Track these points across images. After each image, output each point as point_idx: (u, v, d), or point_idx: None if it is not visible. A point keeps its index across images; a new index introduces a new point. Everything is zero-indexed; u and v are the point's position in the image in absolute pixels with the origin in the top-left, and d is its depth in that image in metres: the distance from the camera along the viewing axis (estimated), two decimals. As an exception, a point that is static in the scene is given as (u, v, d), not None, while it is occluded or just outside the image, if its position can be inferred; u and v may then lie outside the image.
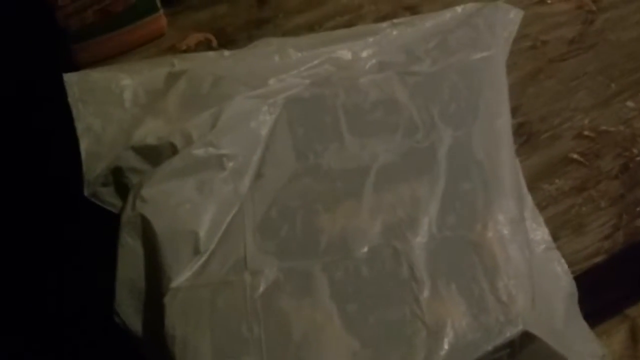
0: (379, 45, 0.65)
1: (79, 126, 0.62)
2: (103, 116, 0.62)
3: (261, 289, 0.46)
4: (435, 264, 0.45)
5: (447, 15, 0.67)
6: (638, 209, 0.58)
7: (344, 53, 0.65)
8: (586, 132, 0.63)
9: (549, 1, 0.75)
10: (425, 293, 0.44)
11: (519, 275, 0.44)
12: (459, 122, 0.55)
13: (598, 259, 0.55)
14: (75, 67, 0.67)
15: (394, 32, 0.67)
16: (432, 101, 0.58)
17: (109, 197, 0.59)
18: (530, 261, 0.46)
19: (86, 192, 0.58)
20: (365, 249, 0.47)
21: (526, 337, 0.42)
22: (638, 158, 0.61)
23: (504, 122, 0.55)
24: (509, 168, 0.51)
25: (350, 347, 0.42)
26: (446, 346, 0.41)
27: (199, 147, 0.56)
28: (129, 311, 0.52)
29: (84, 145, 0.61)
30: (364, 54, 0.65)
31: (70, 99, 0.63)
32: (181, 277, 0.49)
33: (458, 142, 0.53)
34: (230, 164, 0.56)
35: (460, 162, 0.52)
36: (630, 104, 0.65)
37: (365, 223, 0.49)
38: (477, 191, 0.49)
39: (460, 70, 0.60)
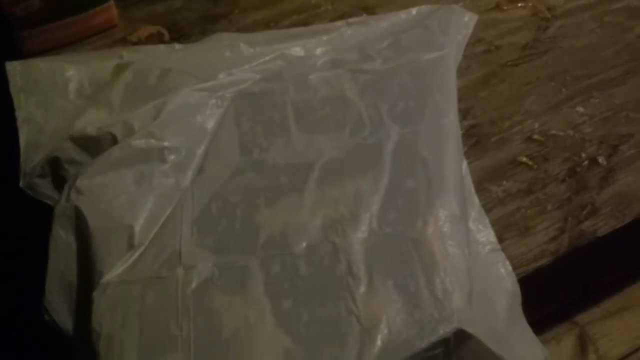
0: (332, 43, 0.65)
1: (20, 116, 0.60)
2: (45, 107, 0.60)
3: (193, 285, 0.45)
4: (374, 260, 0.44)
5: (401, 16, 0.67)
6: (584, 212, 0.58)
7: (297, 50, 0.64)
8: (535, 136, 0.63)
9: (504, 7, 0.75)
10: (362, 289, 0.43)
11: (456, 273, 0.43)
12: (406, 120, 0.55)
13: (543, 262, 0.55)
14: (21, 56, 0.65)
15: (348, 31, 0.66)
16: (381, 99, 0.57)
17: (45, 189, 0.56)
18: (469, 259, 0.45)
19: (22, 183, 0.56)
20: (304, 245, 0.46)
21: (461, 336, 0.41)
22: (585, 163, 0.61)
23: (451, 122, 0.54)
24: (453, 167, 0.51)
25: (282, 345, 0.41)
26: (379, 343, 0.40)
27: (140, 138, 0.54)
28: (59, 307, 0.50)
29: (23, 135, 0.59)
30: (317, 51, 0.64)
31: (11, 88, 0.61)
32: (113, 271, 0.47)
33: (404, 140, 0.53)
34: (172, 157, 0.54)
35: (406, 160, 0.51)
36: (580, 109, 0.65)
37: (306, 218, 0.48)
38: (420, 188, 0.48)
39: (411, 70, 0.59)
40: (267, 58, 0.63)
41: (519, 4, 0.76)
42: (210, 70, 0.61)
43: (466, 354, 0.42)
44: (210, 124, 0.57)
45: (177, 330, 0.42)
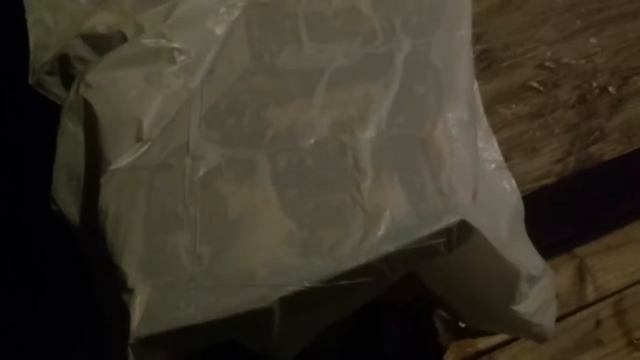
0: (347, -44, 0.64)
1: (30, 18, 0.59)
2: (55, 9, 0.60)
3: (201, 172, 0.45)
4: (381, 157, 0.44)
5: None
6: (592, 137, 0.58)
7: (311, -37, 0.63)
8: (547, 63, 0.63)
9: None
10: (367, 182, 0.43)
11: (462, 170, 0.44)
12: (419, 32, 0.54)
13: (548, 181, 0.55)
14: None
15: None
16: (394, 12, 0.56)
17: (53, 87, 0.56)
18: (475, 159, 0.45)
19: (31, 80, 0.56)
20: (312, 141, 0.46)
21: (464, 229, 0.41)
22: (596, 91, 0.61)
23: (464, 34, 0.54)
24: (465, 76, 0.50)
25: (287, 228, 0.41)
26: (383, 229, 0.40)
27: (150, 37, 0.54)
28: (66, 197, 0.50)
29: (32, 36, 0.58)
30: (330, -35, 0.63)
31: (22, -7, 0.60)
32: (120, 161, 0.47)
33: (416, 50, 0.52)
34: (182, 59, 0.54)
35: (417, 68, 0.51)
36: (593, 40, 0.65)
37: (314, 118, 0.48)
38: (430, 94, 0.48)
39: (426, -15, 0.58)
40: (280, -31, 0.62)
41: None
42: (222, -23, 0.60)
43: (467, 250, 0.42)
44: (221, 30, 0.57)
45: (184, 211, 0.42)
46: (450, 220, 0.40)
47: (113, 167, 0.47)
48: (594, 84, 0.61)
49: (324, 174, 0.44)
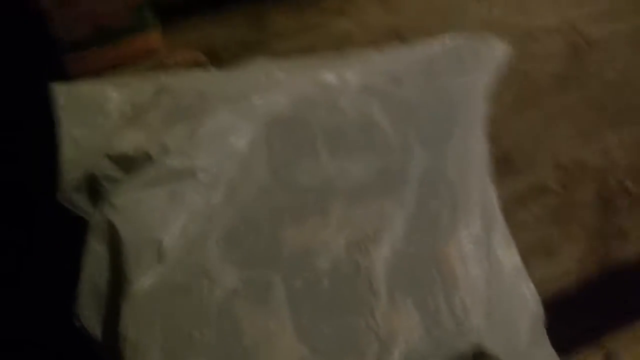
0: (363, 69, 0.66)
1: (61, 133, 0.62)
2: (86, 126, 0.63)
3: (218, 295, 0.46)
4: (395, 278, 0.45)
5: (434, 44, 0.68)
6: (612, 238, 0.57)
7: (329, 76, 0.65)
8: (565, 163, 0.63)
9: (538, 35, 0.76)
10: (382, 305, 0.43)
11: (476, 291, 0.43)
12: (434, 145, 0.55)
13: (567, 285, 0.54)
14: (66, 78, 0.68)
15: (380, 58, 0.68)
16: (409, 124, 0.58)
17: (81, 203, 0.59)
18: (490, 278, 0.45)
19: (59, 196, 0.59)
20: (328, 262, 0.47)
21: (480, 354, 0.40)
22: (615, 190, 0.61)
23: (478, 145, 0.55)
24: (479, 188, 0.51)
25: (300, 354, 0.42)
26: (397, 356, 0.40)
27: (174, 157, 0.56)
28: (90, 315, 0.52)
29: (63, 151, 0.61)
30: (348, 76, 0.65)
31: (55, 108, 0.64)
32: (141, 281, 0.49)
33: (432, 164, 0.53)
34: (204, 176, 0.56)
35: (432, 182, 0.52)
36: (611, 137, 0.65)
37: (330, 237, 0.49)
38: (444, 210, 0.49)
39: (440, 96, 0.60)
40: (299, 83, 0.65)
41: (553, 32, 0.76)
42: (244, 93, 0.63)
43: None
44: (242, 144, 0.59)
45: (200, 336, 0.43)
46: (465, 345, 0.40)
47: (134, 288, 0.49)
48: (612, 182, 0.61)
49: (338, 297, 0.45)
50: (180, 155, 0.57)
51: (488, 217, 0.50)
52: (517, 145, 0.64)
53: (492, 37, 0.70)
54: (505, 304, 0.48)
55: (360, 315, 0.43)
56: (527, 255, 0.55)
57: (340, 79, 0.66)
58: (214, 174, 0.57)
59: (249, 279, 0.47)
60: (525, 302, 0.50)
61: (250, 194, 0.55)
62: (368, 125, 0.59)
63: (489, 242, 0.48)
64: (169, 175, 0.56)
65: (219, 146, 0.59)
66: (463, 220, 0.48)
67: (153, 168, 0.56)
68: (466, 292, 0.43)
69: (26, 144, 0.65)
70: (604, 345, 0.65)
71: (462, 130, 0.57)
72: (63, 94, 0.64)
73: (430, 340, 0.41)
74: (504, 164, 0.62)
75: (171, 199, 0.55)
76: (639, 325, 0.67)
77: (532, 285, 0.51)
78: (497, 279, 0.49)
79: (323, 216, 0.51)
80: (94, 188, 0.59)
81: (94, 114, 0.64)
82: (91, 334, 0.51)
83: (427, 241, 0.47)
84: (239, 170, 0.57)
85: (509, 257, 0.52)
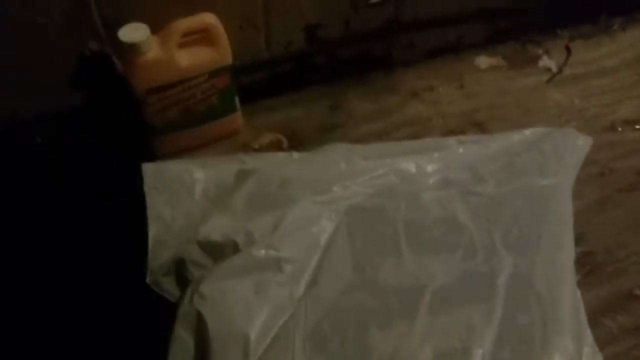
0: (444, 161, 0.67)
1: (150, 213, 0.65)
2: (173, 206, 0.65)
3: (306, 404, 0.46)
4: (487, 400, 0.44)
5: (515, 137, 0.68)
6: None
7: (409, 165, 0.66)
8: (654, 268, 0.61)
9: (619, 128, 0.75)
10: None
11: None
12: (520, 250, 0.55)
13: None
14: (154, 158, 0.72)
15: (460, 149, 0.68)
16: (494, 224, 0.58)
17: (169, 287, 0.61)
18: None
19: (148, 279, 0.61)
20: (415, 376, 0.47)
21: None
22: None
23: (568, 256, 0.54)
24: (570, 305, 0.50)
25: None
26: None
27: (260, 248, 0.58)
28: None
29: (152, 232, 0.63)
30: (429, 168, 0.66)
31: (145, 187, 0.66)
32: (228, 379, 0.50)
33: (518, 271, 0.53)
34: (288, 268, 0.57)
35: (520, 293, 0.51)
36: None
37: (416, 347, 0.48)
38: (534, 326, 0.48)
39: (525, 196, 0.60)
40: (380, 172, 0.66)
41: (636, 126, 0.75)
42: (326, 182, 0.64)
43: None
44: (325, 236, 0.60)
45: None
46: None
47: (221, 387, 0.49)
48: None
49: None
50: (266, 246, 0.58)
51: (578, 336, 0.49)
52: (604, 248, 0.63)
53: (574, 130, 0.69)
54: None
55: None
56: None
57: (420, 170, 0.66)
58: (298, 266, 0.58)
59: (335, 386, 0.47)
60: None
61: (334, 291, 0.55)
62: (451, 224, 0.59)
63: (580, 358, 0.46)
64: (254, 265, 0.57)
65: (301, 237, 0.60)
66: (554, 341, 0.47)
67: (239, 257, 0.58)
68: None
69: (119, 221, 0.68)
70: None
71: (550, 235, 0.56)
72: (152, 174, 0.67)
73: None
74: (588, 267, 0.61)
75: (256, 290, 0.56)
76: None
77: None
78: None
79: (408, 322, 0.51)
80: (181, 273, 0.60)
81: (180, 194, 0.66)
82: None
83: (518, 361, 0.46)
84: (321, 264, 0.58)
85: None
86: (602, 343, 0.55)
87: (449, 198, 0.61)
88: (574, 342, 0.47)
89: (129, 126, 0.72)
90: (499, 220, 0.58)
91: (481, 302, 0.51)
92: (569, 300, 0.50)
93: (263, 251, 0.58)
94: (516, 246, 0.55)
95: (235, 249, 0.59)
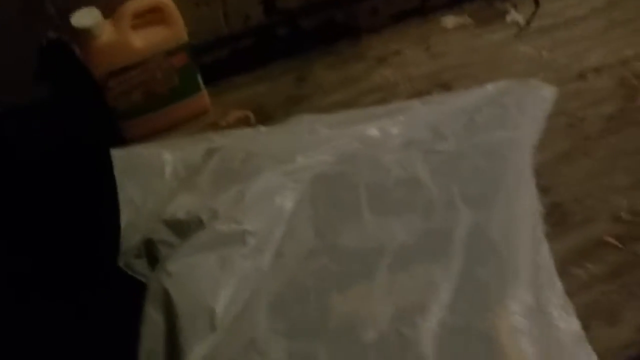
0: (407, 123, 0.66)
1: (122, 197, 0.65)
2: (144, 189, 0.66)
3: (266, 370, 0.47)
4: (442, 354, 0.44)
5: (477, 93, 0.68)
6: (680, 299, 0.54)
7: (372, 130, 0.66)
8: (623, 215, 0.60)
9: (589, 77, 0.74)
10: (430, 385, 0.43)
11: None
12: (478, 203, 0.55)
13: (632, 352, 0.52)
14: (123, 142, 0.72)
15: (423, 110, 0.67)
16: (453, 181, 0.57)
17: (140, 268, 0.61)
18: (546, 351, 0.43)
19: (120, 262, 0.61)
20: (373, 334, 0.47)
21: None
22: (680, 243, 0.58)
23: (525, 206, 0.53)
24: (527, 253, 0.50)
25: None
26: None
27: (223, 222, 0.58)
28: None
29: (124, 216, 0.64)
30: (392, 131, 0.66)
31: (115, 172, 0.67)
32: (195, 351, 0.50)
33: (476, 226, 0.52)
34: (252, 240, 0.57)
35: (478, 247, 0.51)
36: (673, 184, 0.62)
37: (376, 306, 0.49)
38: (491, 277, 0.48)
39: (484, 151, 0.59)
40: (343, 140, 0.65)
41: (605, 73, 0.74)
42: (289, 153, 0.64)
43: None
44: (288, 206, 0.60)
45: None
46: None
47: (188, 359, 0.50)
48: (678, 235, 0.58)
49: (384, 373, 0.44)
50: (229, 220, 0.58)
51: (542, 281, 0.49)
52: (572, 197, 0.62)
53: (538, 82, 0.68)
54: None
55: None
56: (587, 319, 0.53)
57: (384, 134, 0.66)
58: (262, 238, 0.58)
59: (295, 351, 0.48)
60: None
61: (297, 259, 0.55)
62: (412, 183, 0.59)
63: (543, 308, 0.46)
64: (218, 240, 0.57)
65: (265, 208, 0.60)
66: (511, 290, 0.47)
67: (204, 233, 0.58)
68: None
69: (93, 206, 0.69)
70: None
71: (508, 187, 0.56)
72: (122, 158, 0.68)
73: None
74: (557, 218, 0.61)
75: (221, 264, 0.56)
76: None
77: (593, 354, 0.49)
78: (555, 347, 0.48)
79: (368, 283, 0.51)
80: (152, 254, 0.61)
81: (150, 177, 0.67)
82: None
83: (474, 314, 0.46)
84: (285, 234, 0.58)
85: (569, 325, 0.51)
86: (571, 292, 0.55)
87: (409, 159, 0.61)
88: (532, 291, 0.47)
89: (97, 113, 0.72)
90: (458, 176, 0.58)
91: (440, 257, 0.51)
92: (525, 251, 0.50)
93: (226, 225, 0.58)
94: (474, 201, 0.55)
95: (200, 225, 0.60)
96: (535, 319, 0.46)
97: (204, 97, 0.75)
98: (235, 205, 0.60)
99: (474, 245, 0.51)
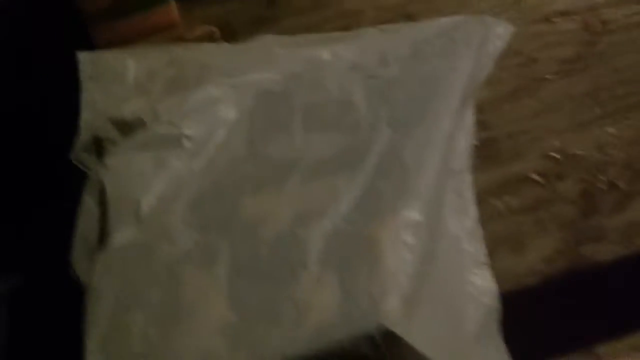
0: (358, 48, 0.67)
1: (84, 99, 0.69)
2: (105, 92, 0.69)
3: (172, 257, 0.50)
4: (329, 253, 0.47)
5: (432, 25, 0.68)
6: (588, 236, 0.56)
7: (325, 54, 0.67)
8: (553, 154, 0.61)
9: (554, 19, 0.73)
10: (309, 279, 0.46)
11: (400, 276, 0.45)
12: (401, 126, 0.56)
13: (531, 281, 0.54)
14: (92, 48, 0.75)
15: (378, 38, 0.68)
16: (384, 105, 0.59)
17: (90, 163, 0.65)
18: (430, 268, 0.46)
19: (72, 157, 0.65)
20: (272, 233, 0.50)
21: (392, 338, 0.42)
22: (603, 185, 0.58)
23: (445, 133, 0.55)
24: (434, 177, 0.51)
25: (227, 319, 0.45)
26: (310, 328, 0.43)
27: (163, 125, 0.61)
28: (81, 265, 0.58)
29: (83, 116, 0.68)
30: (342, 55, 0.67)
31: (81, 75, 0.70)
32: (117, 237, 0.54)
33: (392, 145, 0.54)
34: (188, 144, 0.60)
35: (387, 164, 0.53)
36: (610, 130, 0.62)
37: (280, 209, 0.51)
38: (390, 191, 0.50)
39: (421, 79, 0.60)
40: (295, 61, 0.67)
41: (572, 17, 0.73)
42: (239, 69, 0.66)
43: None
44: (228, 116, 0.63)
45: (146, 293, 0.48)
46: (372, 327, 0.42)
47: (110, 243, 0.54)
48: (602, 178, 0.59)
49: (273, 267, 0.48)
50: (168, 123, 0.61)
51: (437, 207, 0.50)
52: (507, 134, 0.63)
53: (494, 19, 0.68)
54: (457, 295, 0.49)
55: (288, 287, 0.46)
56: (494, 246, 0.55)
57: (335, 57, 0.67)
58: (199, 142, 0.61)
59: (202, 243, 0.51)
60: (480, 295, 0.51)
61: (224, 164, 0.58)
62: (345, 104, 0.60)
63: (428, 229, 0.48)
64: (156, 141, 0.61)
65: (206, 116, 0.63)
66: (404, 204, 0.49)
67: (143, 133, 0.61)
68: (388, 274, 0.44)
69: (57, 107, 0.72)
70: (597, 353, 0.63)
71: (435, 115, 0.57)
72: (88, 62, 0.71)
73: (342, 317, 0.43)
74: (489, 152, 0.62)
75: (156, 164, 0.59)
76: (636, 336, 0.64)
77: (489, 278, 0.51)
78: (455, 268, 0.50)
79: (279, 188, 0.54)
80: (99, 150, 0.65)
81: (113, 81, 0.70)
82: (82, 283, 0.58)
83: (364, 221, 0.48)
84: (220, 141, 0.61)
85: (473, 247, 0.53)
86: (485, 220, 0.56)
87: (350, 81, 0.62)
88: (426, 209, 0.49)
89: (67, 18, 0.75)
90: (390, 101, 0.59)
91: (349, 171, 0.53)
92: (434, 173, 0.52)
93: (165, 127, 0.61)
94: (399, 125, 0.56)
95: (142, 126, 0.63)
96: (420, 234, 0.48)
97: (172, 9, 0.77)
98: (176, 110, 0.63)
99: (384, 162, 0.53)
